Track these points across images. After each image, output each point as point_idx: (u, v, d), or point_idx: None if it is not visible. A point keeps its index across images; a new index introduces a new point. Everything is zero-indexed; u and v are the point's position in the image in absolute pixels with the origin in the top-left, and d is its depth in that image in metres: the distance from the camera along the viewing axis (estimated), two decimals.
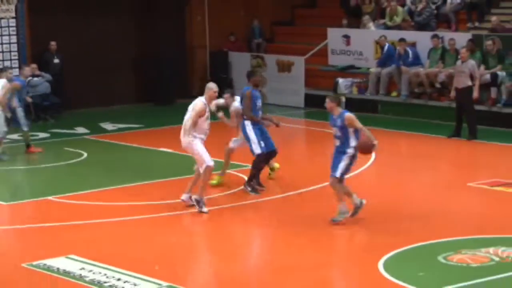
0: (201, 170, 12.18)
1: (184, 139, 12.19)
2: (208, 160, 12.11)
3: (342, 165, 11.62)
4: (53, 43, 21.14)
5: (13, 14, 18.07)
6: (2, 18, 18.50)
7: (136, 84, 23.30)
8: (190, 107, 12.27)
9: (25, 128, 16.60)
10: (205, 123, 12.23)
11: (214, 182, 13.52)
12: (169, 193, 13.39)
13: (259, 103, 13.44)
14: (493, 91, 18.70)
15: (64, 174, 15.44)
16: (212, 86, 12.44)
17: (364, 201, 11.76)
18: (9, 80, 16.10)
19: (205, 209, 12.13)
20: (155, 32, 23.29)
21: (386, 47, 20.73)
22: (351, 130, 11.66)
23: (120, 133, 18.96)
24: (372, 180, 14.80)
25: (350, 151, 11.63)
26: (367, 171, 15.09)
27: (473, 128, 17.20)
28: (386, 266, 9.86)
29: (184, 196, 12.42)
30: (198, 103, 12.19)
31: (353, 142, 11.64)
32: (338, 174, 11.62)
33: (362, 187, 14.22)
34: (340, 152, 11.70)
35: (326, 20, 23.35)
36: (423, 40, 20.42)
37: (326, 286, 9.50)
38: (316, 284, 9.55)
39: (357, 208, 11.73)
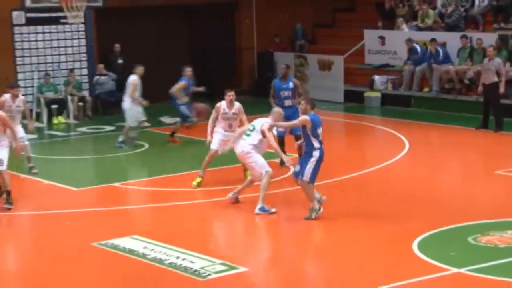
0: (261, 178, 11.63)
1: (244, 148, 11.78)
2: (266, 166, 11.71)
3: (308, 169, 11.01)
4: (117, 45, 21.32)
5: (82, 20, 18.25)
6: (72, 23, 18.66)
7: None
8: (257, 125, 11.82)
9: (184, 123, 16.74)
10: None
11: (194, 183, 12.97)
12: (221, 180, 13.45)
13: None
14: None
15: (128, 163, 15.60)
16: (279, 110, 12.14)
17: (324, 197, 11.35)
18: (139, 76, 16.31)
19: (273, 210, 11.52)
20: (207, 34, 23.37)
21: (418, 48, 20.57)
22: (308, 132, 11.00)
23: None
24: (407, 168, 14.72)
25: (315, 153, 11.05)
26: (402, 159, 15.01)
27: (499, 121, 17.05)
28: (420, 246, 9.81)
29: (230, 195, 11.96)
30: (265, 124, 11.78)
31: (316, 144, 11.07)
32: (305, 178, 11.03)
33: (398, 174, 14.21)
34: (307, 154, 11.15)
35: (363, 22, 23.24)
36: (452, 40, 20.22)
37: (368, 264, 9.46)
38: (359, 262, 9.54)
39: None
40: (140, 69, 16.43)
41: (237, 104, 13.20)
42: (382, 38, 22.20)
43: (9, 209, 11.81)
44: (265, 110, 19.64)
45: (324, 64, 22.63)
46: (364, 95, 21.29)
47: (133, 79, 16.23)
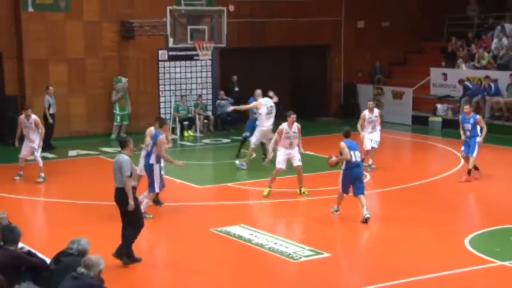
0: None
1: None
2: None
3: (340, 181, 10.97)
4: (234, 77, 21.53)
5: (210, 57, 18.48)
6: (202, 60, 18.99)
7: (291, 105, 23.31)
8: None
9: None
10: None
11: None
12: (310, 184, 13.36)
13: None
14: None
15: (240, 168, 15.62)
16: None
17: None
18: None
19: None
20: (305, 69, 23.34)
21: (470, 85, 19.96)
22: None
23: None
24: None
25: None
26: (458, 171, 14.51)
27: None
28: (471, 243, 9.48)
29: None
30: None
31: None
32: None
33: (455, 183, 13.74)
34: None
35: (429, 62, 22.71)
36: (503, 77, 19.51)
37: (429, 255, 9.19)
38: (422, 253, 9.28)
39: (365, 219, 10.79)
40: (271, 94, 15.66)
41: (296, 125, 12.61)
42: (444, 74, 21.64)
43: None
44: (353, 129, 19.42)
45: (396, 94, 22.22)
46: (428, 120, 20.79)
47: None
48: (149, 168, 10.89)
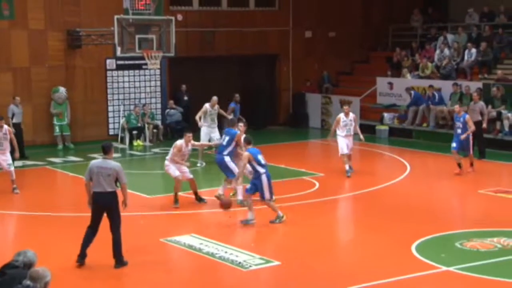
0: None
1: None
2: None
3: (264, 189, 11.02)
4: (183, 86, 21.48)
5: (159, 66, 18.39)
6: (151, 68, 18.89)
7: (241, 114, 23.38)
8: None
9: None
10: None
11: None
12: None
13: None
14: (498, 124, 18.22)
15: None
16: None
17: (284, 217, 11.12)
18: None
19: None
20: (254, 78, 23.46)
21: (413, 94, 20.48)
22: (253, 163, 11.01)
23: None
24: (408, 186, 14.50)
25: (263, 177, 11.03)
26: (404, 179, 14.82)
27: (482, 150, 16.79)
28: (418, 249, 9.66)
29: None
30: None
31: (259, 168, 11.01)
32: (267, 197, 11.07)
33: (401, 191, 14.01)
34: (257, 180, 11.08)
35: (376, 71, 23.12)
36: (446, 86, 20.01)
37: (374, 261, 9.31)
38: (367, 259, 9.40)
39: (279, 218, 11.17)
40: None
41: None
42: (390, 83, 22.06)
43: None
44: (298, 138, 19.59)
45: (344, 103, 22.43)
46: (375, 128, 21.13)
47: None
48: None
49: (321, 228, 11.10)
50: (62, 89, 19.25)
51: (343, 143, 14.77)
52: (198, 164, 16.38)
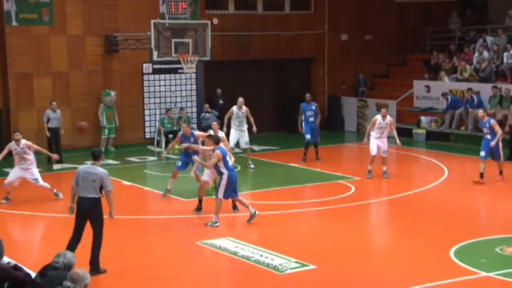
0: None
1: None
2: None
3: (221, 188, 11.15)
4: (218, 90, 21.57)
5: (194, 70, 18.51)
6: (187, 72, 19.02)
7: (275, 118, 23.50)
8: None
9: None
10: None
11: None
12: (296, 196, 13.38)
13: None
14: None
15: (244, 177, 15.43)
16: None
17: (257, 212, 11.27)
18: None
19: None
20: (288, 82, 23.46)
21: (449, 98, 20.22)
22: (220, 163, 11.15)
23: (263, 152, 19.11)
24: (446, 190, 14.31)
25: (224, 174, 11.15)
26: (442, 183, 14.64)
27: None
28: (456, 253, 9.52)
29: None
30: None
31: (223, 169, 11.13)
32: (220, 196, 11.16)
33: (439, 194, 13.84)
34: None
35: (412, 74, 22.92)
36: (485, 89, 19.70)
37: (412, 266, 9.21)
38: (405, 264, 9.31)
39: (252, 216, 11.31)
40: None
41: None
42: (427, 87, 21.83)
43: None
44: (334, 142, 19.50)
45: (380, 106, 22.06)
46: (412, 132, 20.94)
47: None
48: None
49: (357, 232, 11.03)
50: (112, 93, 19.58)
51: (374, 145, 14.70)
52: (252, 166, 16.36)
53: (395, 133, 15.02)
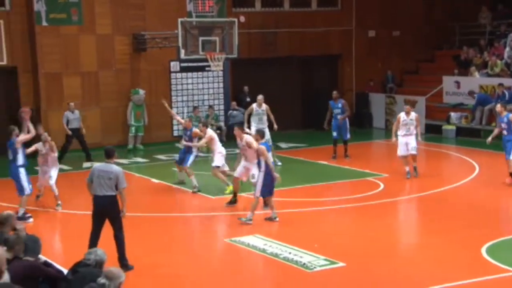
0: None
1: None
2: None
3: (258, 186, 11.12)
4: (245, 87, 21.59)
5: (221, 68, 18.54)
6: (214, 70, 19.06)
7: (302, 115, 23.45)
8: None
9: None
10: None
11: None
12: (324, 193, 13.33)
13: None
14: None
15: None
16: None
17: (277, 219, 11.25)
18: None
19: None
20: (315, 79, 23.39)
21: (476, 97, 20.06)
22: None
23: (290, 150, 19.08)
24: (477, 186, 14.14)
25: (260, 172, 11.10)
26: (473, 179, 14.46)
27: None
28: (488, 251, 9.41)
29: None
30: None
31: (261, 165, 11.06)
32: (257, 194, 11.14)
33: (470, 191, 13.68)
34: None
35: (441, 70, 22.69)
36: None
37: (443, 263, 9.12)
38: (435, 261, 9.22)
39: (271, 218, 11.29)
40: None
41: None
42: (457, 82, 21.59)
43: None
44: (362, 138, 19.40)
45: (409, 103, 22.07)
46: (442, 128, 20.73)
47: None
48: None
49: (386, 229, 10.95)
50: (141, 91, 19.73)
51: (402, 144, 14.45)
52: (279, 163, 16.32)
53: (419, 130, 14.66)
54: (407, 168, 14.53)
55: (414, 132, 14.54)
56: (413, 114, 14.67)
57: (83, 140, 17.68)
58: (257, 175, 11.22)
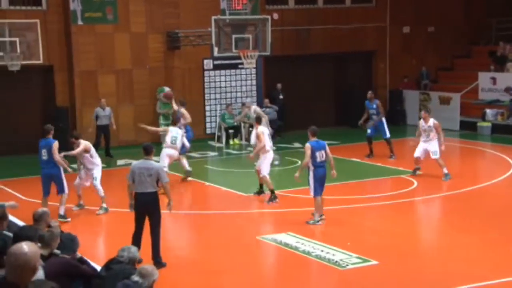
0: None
1: None
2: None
3: (310, 185, 10.99)
4: (279, 85, 21.57)
5: (254, 65, 18.55)
6: (247, 68, 19.07)
7: (336, 112, 23.35)
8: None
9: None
10: None
11: None
12: (355, 191, 13.25)
13: None
14: None
15: (285, 175, 15.58)
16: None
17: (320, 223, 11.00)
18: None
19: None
20: (349, 76, 23.26)
21: None
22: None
23: None
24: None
25: (310, 173, 10.95)
26: (508, 178, 14.22)
27: None
28: None
29: None
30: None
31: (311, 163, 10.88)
32: (312, 194, 11.00)
33: (506, 189, 13.47)
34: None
35: (477, 66, 22.36)
36: None
37: (476, 265, 9.01)
38: (467, 263, 9.11)
39: (313, 221, 11.03)
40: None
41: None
42: (493, 78, 21.27)
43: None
44: (395, 136, 19.24)
45: (444, 99, 21.91)
46: (477, 125, 20.43)
47: None
48: None
49: (418, 227, 10.86)
50: (167, 89, 19.85)
51: (420, 147, 14.29)
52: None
53: (441, 137, 14.16)
54: (416, 166, 14.31)
55: (435, 138, 14.21)
56: (431, 121, 14.24)
57: (109, 138, 17.90)
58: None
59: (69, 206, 12.17)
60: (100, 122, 17.91)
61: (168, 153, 13.92)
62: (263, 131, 12.93)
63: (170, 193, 9.20)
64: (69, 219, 11.74)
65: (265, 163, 12.84)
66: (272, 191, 12.58)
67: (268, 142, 12.99)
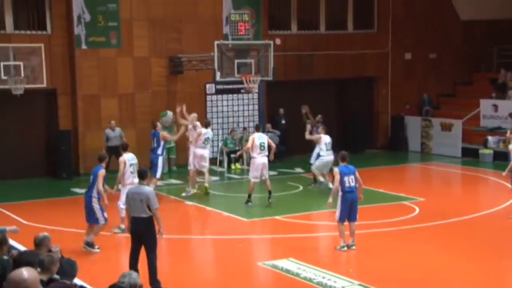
0: None
1: None
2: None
3: (337, 210, 10.91)
4: (281, 109, 21.62)
5: (257, 90, 18.63)
6: (250, 93, 19.11)
7: (337, 137, 23.32)
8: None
9: None
10: None
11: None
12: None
13: None
14: None
15: (287, 201, 15.58)
16: None
17: (345, 249, 10.90)
18: None
19: None
20: (351, 101, 23.31)
21: None
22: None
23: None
24: None
25: (339, 196, 10.89)
26: (511, 206, 14.17)
27: None
28: None
29: None
30: None
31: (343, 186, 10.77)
32: (336, 218, 10.91)
33: (506, 219, 13.40)
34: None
35: (479, 93, 22.42)
36: None
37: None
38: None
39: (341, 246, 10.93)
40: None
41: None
42: (495, 106, 21.32)
43: None
44: (397, 162, 19.23)
45: (445, 126, 21.93)
46: (479, 152, 20.42)
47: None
48: None
49: (421, 254, 10.79)
50: (169, 113, 19.90)
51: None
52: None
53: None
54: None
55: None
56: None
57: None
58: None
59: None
60: (110, 143, 17.97)
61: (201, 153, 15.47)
62: (256, 136, 14.43)
63: (160, 219, 9.09)
64: (97, 250, 11.32)
65: (252, 168, 14.39)
66: (249, 196, 13.79)
67: (257, 149, 14.16)
